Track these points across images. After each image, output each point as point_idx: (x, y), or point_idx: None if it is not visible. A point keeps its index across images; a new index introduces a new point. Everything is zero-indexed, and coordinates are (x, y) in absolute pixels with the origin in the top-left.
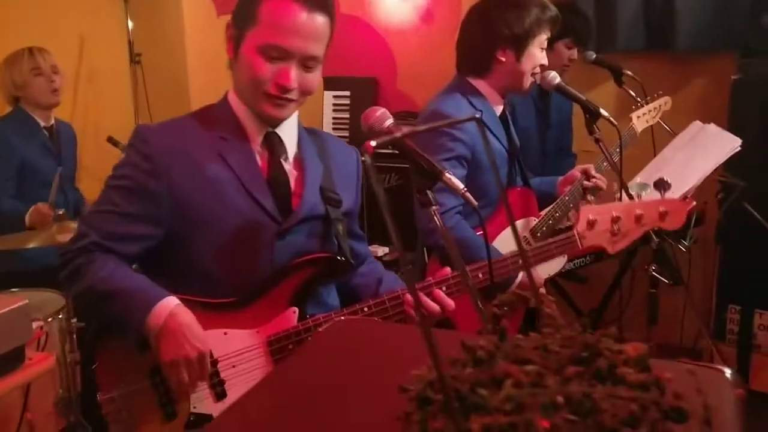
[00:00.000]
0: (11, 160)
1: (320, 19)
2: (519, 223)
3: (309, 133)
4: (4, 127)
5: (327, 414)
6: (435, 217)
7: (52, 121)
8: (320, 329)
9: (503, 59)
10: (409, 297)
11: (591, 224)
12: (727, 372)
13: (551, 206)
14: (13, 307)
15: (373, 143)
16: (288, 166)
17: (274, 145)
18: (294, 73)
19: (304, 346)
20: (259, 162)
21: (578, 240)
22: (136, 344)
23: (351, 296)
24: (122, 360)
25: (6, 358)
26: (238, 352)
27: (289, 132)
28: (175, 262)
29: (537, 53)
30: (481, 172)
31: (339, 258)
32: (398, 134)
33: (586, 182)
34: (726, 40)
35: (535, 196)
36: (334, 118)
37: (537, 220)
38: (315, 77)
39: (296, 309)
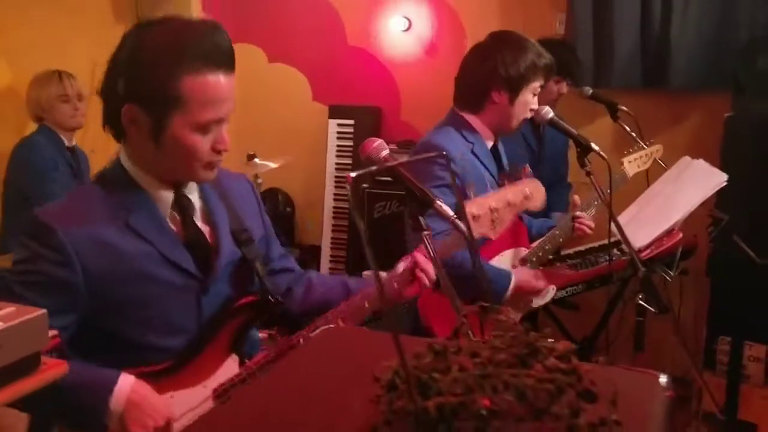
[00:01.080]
0: (48, 162)
1: (233, 76)
2: (509, 252)
3: None
4: (40, 138)
5: (315, 415)
6: (426, 241)
7: (74, 143)
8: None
9: (497, 100)
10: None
11: (475, 218)
12: (662, 378)
13: (542, 238)
14: (32, 316)
15: (353, 174)
16: (199, 223)
17: (185, 206)
18: (226, 133)
19: (294, 352)
20: (172, 226)
21: (448, 211)
22: (97, 429)
23: (318, 307)
24: None
25: (22, 363)
26: (188, 410)
27: (191, 187)
28: (103, 339)
29: (529, 99)
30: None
31: (268, 299)
32: (382, 166)
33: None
34: (720, 78)
35: (525, 227)
36: (338, 146)
37: (527, 250)
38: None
39: (236, 356)
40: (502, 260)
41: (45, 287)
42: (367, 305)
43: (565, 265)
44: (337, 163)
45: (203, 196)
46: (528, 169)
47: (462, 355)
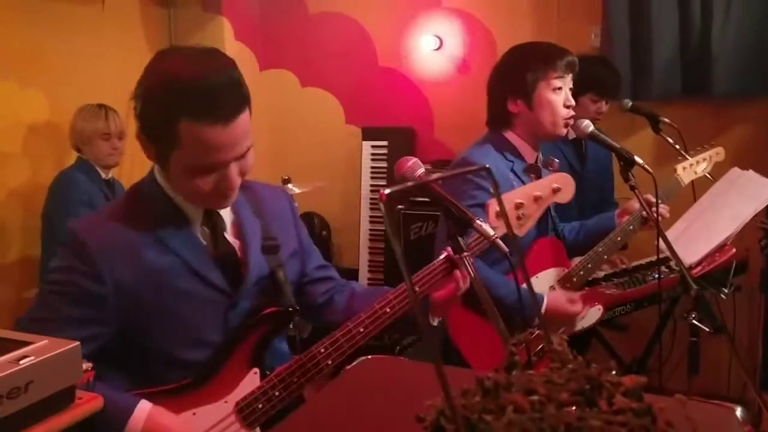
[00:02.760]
0: (84, 197)
1: (240, 119)
2: (550, 272)
3: (241, 190)
4: (76, 172)
5: None
6: (465, 262)
7: (111, 175)
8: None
9: (516, 110)
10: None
11: (498, 216)
12: (738, 410)
13: (584, 256)
14: (65, 348)
15: (386, 191)
16: (230, 237)
17: (215, 223)
18: (233, 174)
19: (335, 382)
20: (202, 240)
21: (488, 230)
22: None
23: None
24: None
25: (56, 398)
26: (211, 427)
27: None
28: (131, 353)
29: (551, 97)
30: None
31: (287, 310)
32: (411, 182)
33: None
34: (764, 84)
35: (564, 246)
36: (372, 167)
37: (567, 270)
38: (250, 158)
39: (257, 369)
40: (543, 279)
41: (75, 298)
42: (388, 310)
43: (612, 284)
44: (372, 185)
45: (236, 210)
46: (557, 163)
47: (515, 391)
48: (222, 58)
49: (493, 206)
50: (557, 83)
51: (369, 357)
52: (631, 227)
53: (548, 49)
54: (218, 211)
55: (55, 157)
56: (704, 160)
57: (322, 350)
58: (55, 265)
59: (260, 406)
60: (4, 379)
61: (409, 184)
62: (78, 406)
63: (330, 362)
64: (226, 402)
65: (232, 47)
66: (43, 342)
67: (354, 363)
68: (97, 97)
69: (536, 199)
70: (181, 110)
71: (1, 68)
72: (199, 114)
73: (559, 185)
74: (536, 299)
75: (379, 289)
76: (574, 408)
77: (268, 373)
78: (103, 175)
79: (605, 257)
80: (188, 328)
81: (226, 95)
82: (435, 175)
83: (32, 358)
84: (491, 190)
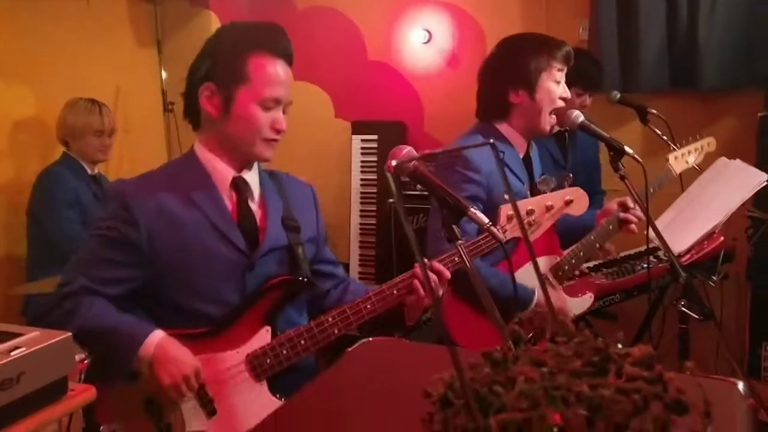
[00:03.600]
0: (68, 195)
1: (289, 70)
2: (541, 260)
3: (269, 175)
4: (59, 169)
5: (359, 426)
6: (460, 251)
7: (97, 171)
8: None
9: (517, 101)
10: (418, 271)
11: (510, 218)
12: (739, 384)
13: (575, 245)
14: (57, 339)
15: (393, 162)
16: (254, 206)
17: (241, 188)
18: (283, 117)
19: (337, 363)
20: (228, 204)
21: (500, 233)
22: (127, 375)
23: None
24: (117, 394)
25: (49, 389)
26: (223, 371)
27: (252, 175)
28: (158, 299)
29: (552, 87)
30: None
31: (300, 279)
32: (415, 159)
33: (622, 214)
34: (751, 77)
35: (557, 235)
36: (362, 161)
37: (559, 258)
38: (286, 119)
39: (269, 328)
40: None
41: (113, 241)
42: (395, 292)
43: (601, 275)
44: (362, 179)
45: (262, 186)
46: (571, 177)
47: (524, 364)
48: (277, 25)
49: (505, 210)
50: (558, 75)
51: (370, 339)
52: (611, 227)
53: (548, 39)
54: (244, 178)
55: (41, 153)
56: (696, 150)
57: (330, 319)
58: (101, 215)
59: (268, 360)
60: None
61: (416, 155)
62: (71, 397)
63: (336, 331)
64: (238, 352)
65: None
66: (34, 333)
67: (355, 345)
68: (83, 92)
69: (548, 208)
70: (251, 46)
71: None
72: (266, 48)
73: (572, 198)
74: (546, 291)
75: (369, 288)
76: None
77: (279, 333)
78: (90, 171)
79: (597, 245)
80: (208, 282)
81: (284, 42)
82: (436, 150)
83: (24, 349)
84: (483, 185)
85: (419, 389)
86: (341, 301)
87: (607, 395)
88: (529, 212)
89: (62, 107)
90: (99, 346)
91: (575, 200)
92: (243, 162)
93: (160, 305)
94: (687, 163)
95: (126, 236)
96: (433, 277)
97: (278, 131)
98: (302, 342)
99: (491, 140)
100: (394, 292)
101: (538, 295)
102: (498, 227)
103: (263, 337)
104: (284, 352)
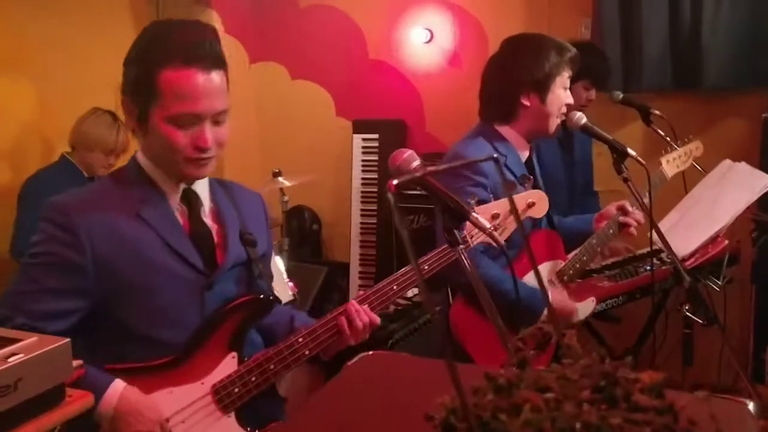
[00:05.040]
0: None
1: (217, 76)
2: (546, 265)
3: (218, 184)
4: (53, 173)
5: None
6: (462, 256)
7: (90, 174)
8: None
9: (528, 104)
10: (343, 319)
11: (494, 218)
12: (750, 404)
13: (578, 249)
14: (55, 345)
15: (395, 182)
16: (207, 219)
17: (192, 201)
18: (209, 133)
19: (335, 379)
20: (180, 219)
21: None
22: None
23: (266, 335)
24: None
25: (47, 395)
26: (186, 406)
27: (202, 186)
28: (107, 329)
29: (561, 93)
30: None
31: (268, 297)
32: (419, 173)
33: (622, 218)
34: (755, 77)
35: (560, 238)
36: (363, 160)
37: (564, 262)
38: (226, 129)
39: (235, 354)
40: (540, 272)
41: (55, 267)
42: (396, 287)
43: (604, 277)
44: (362, 178)
45: (214, 197)
46: (531, 180)
47: (527, 388)
48: (202, 24)
49: (489, 210)
50: (567, 81)
51: (370, 353)
52: (611, 231)
53: (562, 44)
54: (195, 191)
55: (42, 151)
56: (685, 154)
57: (300, 340)
58: (36, 239)
59: (236, 390)
60: None
61: (416, 174)
62: (68, 404)
63: (307, 352)
64: (203, 383)
65: (222, 40)
66: (32, 339)
67: (354, 359)
68: (84, 88)
69: (511, 211)
70: (160, 60)
71: None
72: (177, 60)
73: (533, 200)
74: (546, 292)
75: (286, 312)
76: (591, 406)
77: (245, 359)
78: (86, 174)
79: (598, 249)
80: (164, 306)
81: (202, 48)
82: (441, 167)
83: (21, 355)
84: (487, 187)
85: (420, 406)
86: (283, 324)
87: (616, 426)
88: (495, 216)
89: (85, 113)
90: None
91: (537, 202)
92: (177, 178)
93: (110, 336)
94: (678, 167)
95: (68, 261)
96: (364, 320)
97: (201, 149)
98: (272, 367)
99: (495, 146)
100: (395, 287)
101: (551, 299)
102: (483, 217)
103: (229, 364)
104: (253, 379)
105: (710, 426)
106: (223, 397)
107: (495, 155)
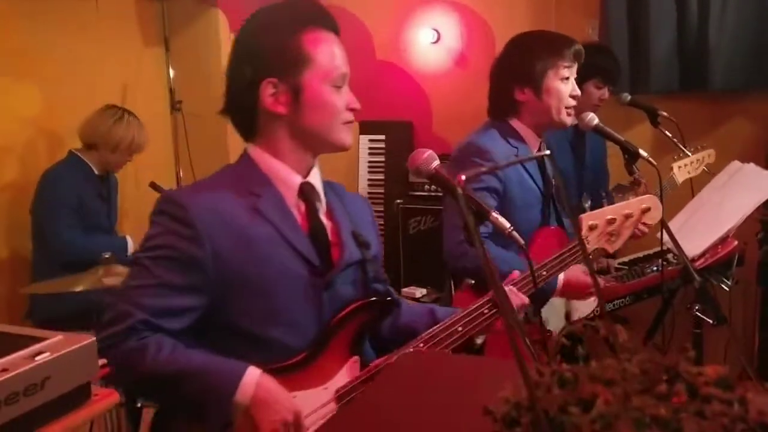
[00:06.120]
0: (70, 198)
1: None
2: None
3: (327, 185)
4: (63, 170)
5: None
6: (483, 253)
7: (103, 171)
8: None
9: (523, 98)
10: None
11: (592, 228)
12: None
13: None
14: (81, 344)
15: (463, 177)
16: (322, 217)
17: (310, 195)
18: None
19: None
20: (297, 215)
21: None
22: (218, 424)
23: (405, 334)
24: None
25: (73, 394)
26: (311, 412)
27: (316, 181)
28: (220, 329)
29: (559, 86)
30: (512, 209)
31: (390, 299)
32: (494, 166)
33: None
34: (762, 78)
35: (568, 238)
36: (369, 162)
37: None
38: None
39: (357, 358)
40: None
41: (175, 262)
42: (485, 311)
43: (611, 277)
44: (369, 179)
45: (326, 195)
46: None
47: (593, 383)
48: None
49: (586, 220)
50: (565, 72)
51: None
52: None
53: (556, 37)
54: (311, 183)
55: (48, 151)
56: (697, 161)
57: (421, 345)
58: (152, 233)
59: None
60: (21, 375)
61: (483, 169)
62: (95, 402)
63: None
64: (326, 388)
65: (227, 40)
66: (58, 338)
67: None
68: (90, 90)
69: (627, 216)
70: (297, 24)
71: None
72: (317, 20)
73: (648, 205)
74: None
75: (423, 307)
76: (661, 401)
77: (368, 363)
78: (97, 171)
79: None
80: (279, 305)
81: (329, 13)
82: (485, 167)
83: (48, 354)
84: (499, 177)
85: (464, 403)
86: (393, 328)
87: (687, 418)
88: (610, 221)
89: (102, 113)
90: (177, 393)
91: (652, 208)
92: (311, 162)
93: (218, 335)
94: (688, 173)
95: (189, 255)
96: (517, 301)
97: (355, 110)
98: None
99: (507, 140)
100: (485, 311)
101: (565, 274)
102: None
103: (353, 368)
104: (381, 371)
105: None
106: (347, 402)
107: (547, 151)
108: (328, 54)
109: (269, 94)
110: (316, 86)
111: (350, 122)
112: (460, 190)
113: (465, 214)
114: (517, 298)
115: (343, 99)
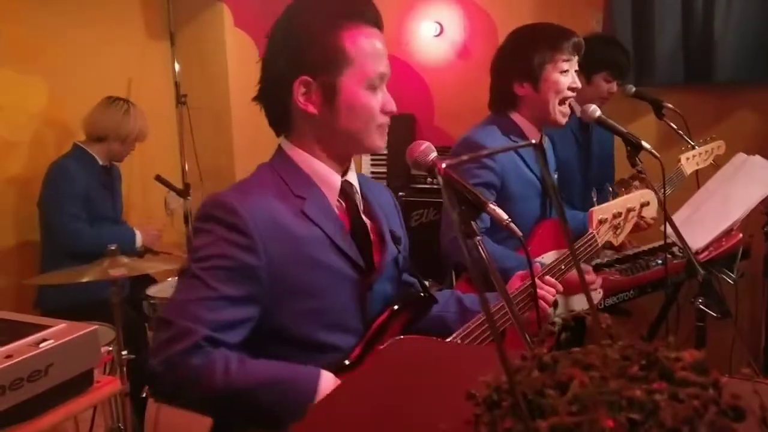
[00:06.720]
0: (77, 190)
1: (383, 37)
2: (550, 254)
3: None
4: (69, 163)
5: (391, 426)
6: (479, 247)
7: (108, 161)
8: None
9: (522, 92)
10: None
11: (602, 222)
12: None
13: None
14: (84, 332)
15: (444, 164)
16: (362, 215)
17: (350, 194)
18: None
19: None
20: (339, 216)
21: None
22: None
23: (435, 324)
24: None
25: (76, 381)
26: None
27: (354, 178)
28: (269, 335)
29: (558, 79)
30: (511, 203)
31: (430, 295)
32: (476, 155)
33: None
34: (767, 70)
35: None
36: (371, 155)
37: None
38: None
39: None
40: (545, 261)
41: (230, 273)
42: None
43: (615, 270)
44: (371, 172)
45: (363, 191)
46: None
47: (570, 367)
48: None
49: (596, 215)
50: (564, 65)
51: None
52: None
53: (555, 30)
54: (350, 181)
55: (54, 144)
56: (706, 152)
57: (459, 341)
58: (203, 241)
59: None
60: (25, 362)
61: (465, 158)
62: (97, 389)
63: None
64: None
65: (232, 34)
66: (61, 325)
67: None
68: (96, 84)
69: (629, 210)
70: (338, 20)
71: (0, 55)
72: (358, 16)
73: (647, 200)
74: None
75: (446, 293)
76: (637, 383)
77: None
78: (101, 162)
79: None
80: (326, 307)
81: (372, 5)
82: (484, 152)
83: (51, 341)
84: (497, 171)
85: (453, 389)
86: (448, 309)
87: (662, 401)
88: (616, 215)
89: (106, 105)
90: (252, 408)
91: (651, 202)
92: (347, 161)
93: (273, 342)
94: (697, 164)
95: (245, 265)
96: (550, 290)
97: (391, 113)
98: None
99: (508, 136)
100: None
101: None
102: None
103: None
104: (371, 357)
105: (753, 402)
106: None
107: (496, 144)
108: (369, 53)
109: (302, 92)
110: (352, 88)
111: (385, 125)
112: (440, 178)
113: (451, 206)
114: (554, 286)
115: (378, 101)
